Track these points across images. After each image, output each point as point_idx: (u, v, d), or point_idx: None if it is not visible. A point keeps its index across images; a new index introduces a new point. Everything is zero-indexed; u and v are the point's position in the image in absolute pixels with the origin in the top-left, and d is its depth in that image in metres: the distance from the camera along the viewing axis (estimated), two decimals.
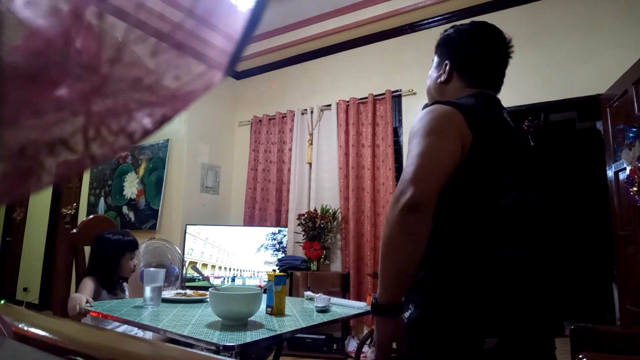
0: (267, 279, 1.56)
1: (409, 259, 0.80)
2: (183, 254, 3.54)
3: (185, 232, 3.57)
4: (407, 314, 0.88)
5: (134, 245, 2.00)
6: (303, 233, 3.48)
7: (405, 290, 0.84)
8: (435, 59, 1.09)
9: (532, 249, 0.90)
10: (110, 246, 1.94)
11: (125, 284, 2.06)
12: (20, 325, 0.41)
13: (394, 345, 0.82)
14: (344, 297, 3.08)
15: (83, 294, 1.71)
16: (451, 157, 0.83)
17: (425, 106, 0.97)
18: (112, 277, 1.92)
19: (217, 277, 3.50)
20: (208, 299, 1.53)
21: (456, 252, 0.85)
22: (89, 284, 1.82)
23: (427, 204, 0.79)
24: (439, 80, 1.05)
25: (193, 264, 3.52)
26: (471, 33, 1.02)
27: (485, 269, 0.84)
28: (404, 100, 3.49)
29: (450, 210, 0.86)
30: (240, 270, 3.50)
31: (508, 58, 1.02)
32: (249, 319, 1.34)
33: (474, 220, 0.86)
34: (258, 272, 3.48)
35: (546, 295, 0.90)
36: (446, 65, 1.04)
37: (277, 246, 3.53)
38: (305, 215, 3.47)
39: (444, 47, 1.06)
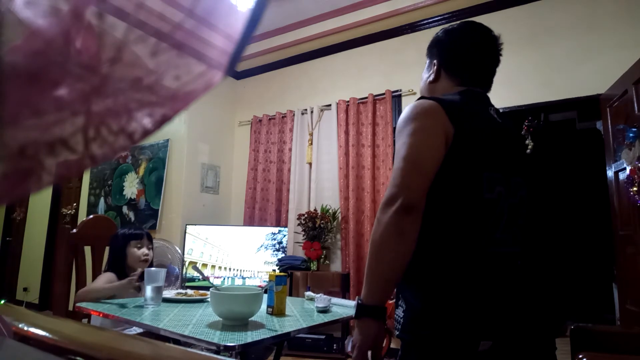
0: (267, 279, 1.56)
1: (403, 259, 0.81)
2: (183, 254, 3.54)
3: (185, 232, 3.57)
4: (400, 312, 0.88)
5: (139, 235, 1.98)
6: (303, 233, 3.48)
7: (391, 292, 0.85)
8: (427, 60, 1.11)
9: (525, 246, 0.89)
10: (117, 238, 1.98)
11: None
12: (20, 325, 0.41)
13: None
14: (344, 297, 3.08)
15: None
16: (436, 155, 0.85)
17: None
18: (123, 269, 1.92)
19: (217, 277, 3.50)
20: (209, 299, 1.53)
21: (446, 250, 0.85)
22: (104, 276, 1.86)
23: (420, 205, 0.81)
24: (428, 80, 1.07)
25: (193, 264, 3.52)
26: (459, 32, 1.03)
27: (476, 266, 0.83)
28: (404, 100, 3.48)
29: (436, 206, 0.85)
30: (241, 270, 3.50)
31: (498, 56, 1.03)
32: (249, 319, 1.34)
33: (458, 215, 0.86)
34: (258, 272, 3.48)
35: (541, 294, 0.89)
36: (434, 65, 1.05)
37: (277, 246, 3.52)
38: (305, 215, 3.47)
39: (434, 49, 1.07)
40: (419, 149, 0.84)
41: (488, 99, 1.02)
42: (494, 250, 0.85)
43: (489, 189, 0.87)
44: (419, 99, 0.94)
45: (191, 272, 3.46)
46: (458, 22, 1.08)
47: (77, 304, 1.61)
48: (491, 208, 0.87)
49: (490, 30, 1.03)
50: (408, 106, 0.92)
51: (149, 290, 1.59)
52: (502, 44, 1.03)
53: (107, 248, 2.21)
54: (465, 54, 1.02)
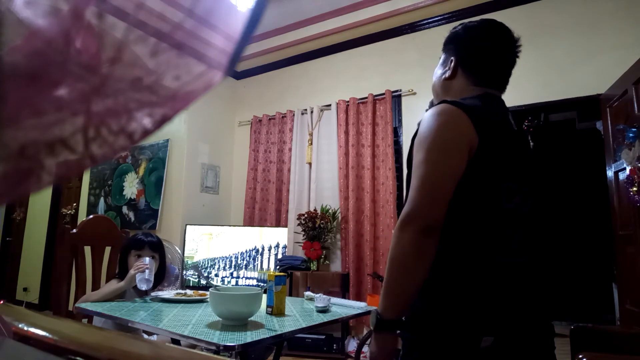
0: (267, 279, 1.56)
1: (421, 277, 0.82)
2: (183, 254, 3.54)
3: (185, 232, 3.57)
4: None
5: (140, 244, 1.90)
6: (303, 233, 3.48)
7: (408, 306, 0.86)
8: (442, 55, 1.07)
9: (533, 255, 0.90)
10: (123, 244, 1.97)
11: None
12: (20, 325, 0.41)
13: None
14: (343, 297, 3.08)
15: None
16: (456, 174, 0.84)
17: (431, 104, 0.96)
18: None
19: (217, 277, 3.50)
20: (208, 299, 1.54)
21: (456, 256, 0.86)
22: (110, 283, 1.84)
23: (439, 226, 0.82)
24: (443, 76, 1.04)
25: (193, 264, 3.52)
26: (479, 30, 1.00)
27: (484, 273, 0.84)
28: (403, 100, 3.48)
29: (453, 213, 0.85)
30: (241, 270, 3.50)
31: (515, 58, 1.01)
32: (249, 319, 1.34)
33: (476, 224, 0.86)
34: (258, 272, 3.48)
35: (543, 297, 0.90)
36: (451, 61, 1.02)
37: (277, 246, 3.53)
38: (305, 215, 3.47)
39: (451, 44, 1.04)
40: (439, 168, 0.83)
41: (504, 103, 1.01)
42: (505, 260, 0.85)
43: (507, 200, 0.87)
44: (440, 102, 0.91)
45: (191, 272, 3.46)
46: (479, 18, 1.04)
47: (76, 305, 1.61)
48: (509, 218, 0.87)
49: (510, 30, 1.01)
50: (431, 112, 0.90)
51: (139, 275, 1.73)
52: (520, 46, 1.01)
53: (109, 248, 2.21)
54: (484, 54, 0.99)
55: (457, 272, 0.85)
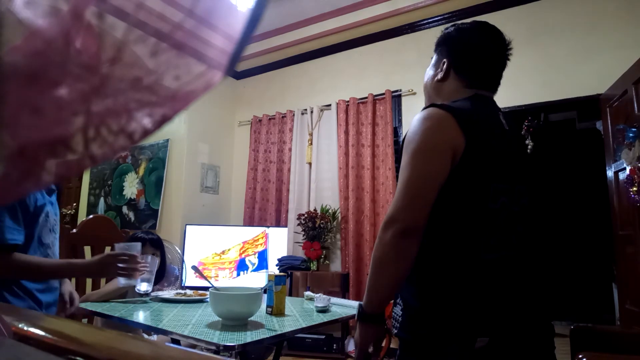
0: (267, 279, 1.56)
1: (399, 276, 0.87)
2: (183, 254, 3.54)
3: (185, 232, 3.57)
4: (398, 311, 0.91)
5: (141, 241, 1.83)
6: (303, 233, 3.48)
7: (390, 301, 0.91)
8: (434, 56, 1.08)
9: (520, 250, 0.90)
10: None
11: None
12: (20, 325, 0.41)
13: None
14: (343, 296, 3.08)
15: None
16: (439, 179, 0.85)
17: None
18: None
19: (217, 278, 3.50)
20: (208, 299, 1.54)
21: (444, 256, 0.87)
22: (112, 281, 1.84)
23: (419, 229, 0.84)
24: (435, 78, 1.05)
25: (193, 265, 3.51)
26: (471, 32, 1.01)
27: (469, 271, 0.85)
28: (403, 100, 3.49)
29: (439, 213, 0.87)
30: (243, 271, 3.50)
31: (507, 60, 1.02)
32: (249, 319, 1.34)
33: (460, 224, 0.87)
34: (257, 272, 3.48)
35: (536, 294, 0.90)
36: (444, 63, 1.03)
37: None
38: (305, 215, 3.47)
39: (443, 45, 1.05)
40: (422, 173, 0.86)
41: (495, 103, 1.01)
42: (488, 256, 0.86)
43: (493, 200, 0.88)
44: (429, 105, 0.92)
45: (191, 272, 3.46)
46: (470, 20, 1.05)
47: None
48: (493, 218, 0.88)
49: (501, 33, 1.01)
50: (418, 116, 0.91)
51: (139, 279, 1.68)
52: (511, 48, 1.01)
53: (109, 248, 2.21)
54: (476, 55, 1.00)
55: (446, 273, 0.86)
